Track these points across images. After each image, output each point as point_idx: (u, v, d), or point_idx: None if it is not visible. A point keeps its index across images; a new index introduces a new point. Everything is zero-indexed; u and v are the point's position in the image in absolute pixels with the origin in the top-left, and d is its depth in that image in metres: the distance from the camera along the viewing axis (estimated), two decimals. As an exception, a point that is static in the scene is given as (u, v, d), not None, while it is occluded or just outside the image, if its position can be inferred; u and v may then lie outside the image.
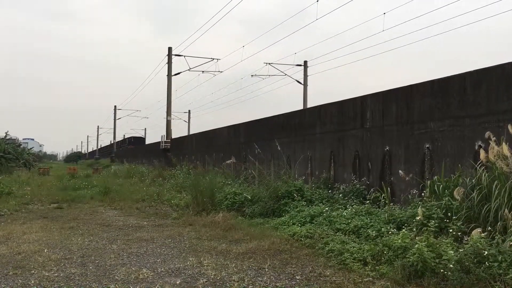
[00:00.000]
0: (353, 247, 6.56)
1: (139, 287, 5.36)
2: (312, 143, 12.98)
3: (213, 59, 32.58)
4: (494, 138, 6.64)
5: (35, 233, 8.78)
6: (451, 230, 6.07)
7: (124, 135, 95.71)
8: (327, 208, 9.04)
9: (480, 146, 7.46)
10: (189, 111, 73.33)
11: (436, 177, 7.83)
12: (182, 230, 9.26)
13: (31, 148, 44.86)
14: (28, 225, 9.80)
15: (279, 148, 14.24)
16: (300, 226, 8.44)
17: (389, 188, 9.26)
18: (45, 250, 7.28)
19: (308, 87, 35.71)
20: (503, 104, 7.33)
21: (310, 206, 9.73)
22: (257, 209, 10.65)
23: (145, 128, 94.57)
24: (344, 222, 7.93)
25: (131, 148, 60.71)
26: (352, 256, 6.25)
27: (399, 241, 5.93)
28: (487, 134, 6.87)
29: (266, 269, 6.11)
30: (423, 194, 7.92)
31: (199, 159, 23.81)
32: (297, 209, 9.64)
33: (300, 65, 35.81)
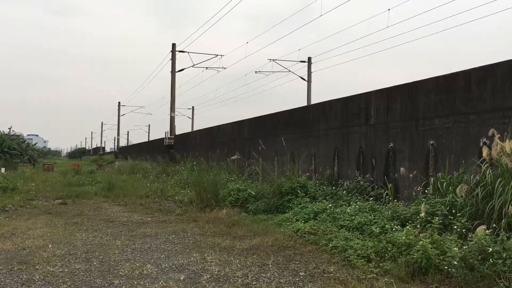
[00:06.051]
0: (357, 243, 6.55)
1: (143, 283, 5.37)
2: (316, 139, 12.96)
3: (217, 55, 32.48)
4: (498, 135, 6.61)
5: (39, 229, 8.83)
6: (455, 227, 6.05)
7: (127, 131, 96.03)
8: (330, 205, 9.03)
9: (484, 143, 7.42)
10: (192, 107, 73.63)
11: (440, 173, 7.81)
12: (186, 226, 9.29)
13: (35, 144, 44.92)
14: (33, 221, 9.84)
15: (284, 144, 14.22)
16: (304, 223, 8.44)
17: (393, 185, 9.25)
18: (50, 246, 7.32)
19: (312, 83, 35.66)
20: (508, 100, 7.28)
21: (313, 202, 9.72)
22: (261, 205, 10.66)
23: (149, 125, 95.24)
24: (347, 218, 7.92)
25: (134, 145, 62.33)
26: (355, 252, 6.24)
27: (403, 237, 5.92)
28: (490, 131, 6.84)
29: (270, 266, 6.11)
30: (427, 191, 7.90)
31: (203, 155, 23.82)
32: (301, 205, 9.64)
33: (304, 62, 35.71)
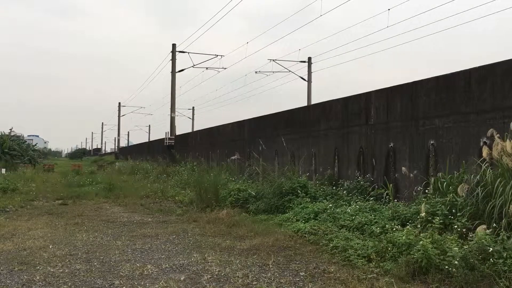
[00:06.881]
0: (357, 243, 6.55)
1: (144, 283, 5.38)
2: (316, 139, 12.96)
3: (217, 55, 32.51)
4: (498, 134, 6.61)
5: (40, 229, 8.83)
6: (455, 227, 6.05)
7: (128, 132, 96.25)
8: (331, 205, 9.03)
9: (485, 143, 7.42)
10: (193, 107, 73.73)
11: (440, 173, 7.81)
12: (186, 226, 9.29)
13: (35, 145, 44.97)
14: (33, 221, 9.85)
15: (284, 144, 14.22)
16: (304, 223, 8.44)
17: (393, 185, 9.25)
18: (50, 246, 7.32)
19: (312, 83, 35.67)
20: (508, 100, 7.28)
21: (314, 202, 9.72)
22: (261, 205, 10.66)
23: (149, 125, 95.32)
24: (348, 218, 7.92)
25: (134, 145, 62.69)
26: (356, 252, 6.24)
27: (404, 237, 5.92)
28: (489, 131, 6.84)
29: (270, 266, 6.11)
30: (427, 190, 7.89)
31: (203, 155, 23.83)
32: (301, 205, 9.64)
33: (304, 62, 35.74)
